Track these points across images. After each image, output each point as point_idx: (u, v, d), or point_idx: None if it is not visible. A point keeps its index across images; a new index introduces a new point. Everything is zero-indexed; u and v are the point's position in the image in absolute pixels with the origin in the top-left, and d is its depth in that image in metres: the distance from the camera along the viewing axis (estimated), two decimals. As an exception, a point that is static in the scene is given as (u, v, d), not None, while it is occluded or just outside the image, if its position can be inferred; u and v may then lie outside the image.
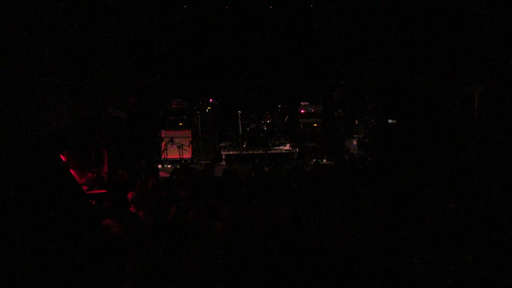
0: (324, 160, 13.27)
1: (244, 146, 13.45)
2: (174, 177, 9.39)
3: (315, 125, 13.71)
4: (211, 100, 13.81)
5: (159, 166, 12.85)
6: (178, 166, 11.28)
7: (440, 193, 7.60)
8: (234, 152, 13.41)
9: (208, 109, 13.66)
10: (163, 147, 12.97)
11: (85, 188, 9.08)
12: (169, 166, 12.89)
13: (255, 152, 13.32)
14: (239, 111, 13.77)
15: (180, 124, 13.51)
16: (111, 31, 10.83)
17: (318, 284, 4.75)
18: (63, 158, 8.97)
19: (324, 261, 4.98)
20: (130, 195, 7.58)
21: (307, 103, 13.89)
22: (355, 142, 13.72)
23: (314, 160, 12.62)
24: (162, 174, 11.48)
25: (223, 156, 13.34)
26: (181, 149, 12.77)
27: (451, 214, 6.41)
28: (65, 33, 8.67)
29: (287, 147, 13.62)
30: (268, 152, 13.30)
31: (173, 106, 13.60)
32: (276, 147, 13.58)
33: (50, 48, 8.21)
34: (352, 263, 4.96)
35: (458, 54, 11.37)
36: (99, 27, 10.20)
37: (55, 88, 8.36)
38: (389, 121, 12.69)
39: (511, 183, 7.84)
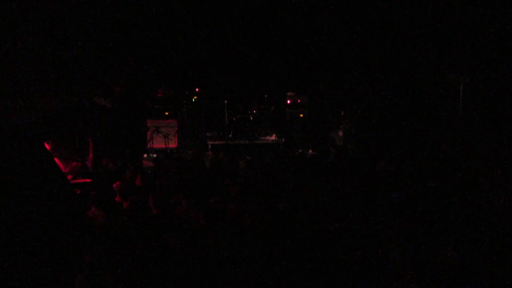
0: (310, 151, 13.30)
1: (230, 136, 13.44)
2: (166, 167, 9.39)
3: (301, 115, 13.74)
4: (197, 89, 13.75)
5: (145, 155, 12.80)
6: (164, 156, 11.24)
7: (423, 184, 7.69)
8: (220, 142, 13.38)
9: (195, 99, 13.61)
10: (148, 137, 12.90)
11: (69, 177, 9.02)
12: (154, 155, 12.83)
13: (241, 142, 13.31)
14: (226, 101, 13.74)
15: (166, 113, 13.45)
16: (97, 20, 10.73)
17: (303, 271, 4.81)
18: (47, 146, 8.89)
19: (308, 250, 5.04)
20: (116, 185, 7.55)
21: (293, 93, 13.90)
22: (340, 133, 13.77)
23: (300, 151, 12.66)
24: (146, 164, 11.43)
25: (209, 146, 13.32)
26: (167, 138, 12.72)
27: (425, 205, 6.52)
28: (50, 21, 8.59)
29: (273, 137, 13.63)
30: (254, 142, 13.29)
31: (159, 95, 13.52)
32: (262, 138, 13.58)
33: (35, 36, 8.13)
34: (335, 252, 5.03)
35: (443, 46, 11.44)
36: (85, 16, 10.10)
37: (41, 76, 8.29)
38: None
39: (495, 174, 7.94)
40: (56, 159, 8.81)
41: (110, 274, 4.67)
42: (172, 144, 13.06)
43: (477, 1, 10.79)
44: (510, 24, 10.59)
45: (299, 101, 13.80)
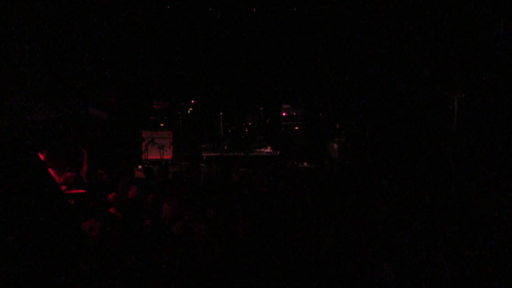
0: (305, 163, 13.29)
1: (225, 148, 13.42)
2: (161, 179, 9.38)
3: (296, 128, 13.75)
4: (193, 101, 13.76)
5: (139, 166, 12.75)
6: (157, 167, 11.21)
7: (416, 198, 7.70)
8: (215, 154, 13.35)
9: (190, 110, 13.61)
10: (143, 148, 12.86)
11: (63, 187, 8.99)
12: (145, 166, 12.77)
13: (236, 154, 13.28)
14: (221, 113, 13.74)
15: (162, 124, 13.44)
16: (93, 30, 10.75)
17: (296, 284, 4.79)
18: (41, 156, 8.86)
19: (299, 265, 5.02)
20: (111, 196, 7.52)
21: (289, 106, 13.92)
22: (336, 146, 13.76)
23: (295, 163, 12.65)
24: (139, 175, 11.40)
25: (204, 158, 13.28)
26: (161, 150, 12.69)
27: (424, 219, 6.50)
28: (46, 31, 8.60)
29: (268, 149, 13.61)
30: (249, 154, 13.27)
31: (155, 106, 13.52)
32: (257, 150, 13.57)
33: (30, 45, 8.13)
34: (326, 267, 5.01)
35: (438, 61, 11.52)
36: (81, 26, 10.12)
37: (35, 86, 8.28)
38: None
39: (489, 187, 7.96)
40: (50, 170, 8.79)
41: (104, 287, 4.64)
42: (167, 155, 13.03)
43: (472, 20, 10.91)
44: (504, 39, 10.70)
45: (294, 113, 13.81)
